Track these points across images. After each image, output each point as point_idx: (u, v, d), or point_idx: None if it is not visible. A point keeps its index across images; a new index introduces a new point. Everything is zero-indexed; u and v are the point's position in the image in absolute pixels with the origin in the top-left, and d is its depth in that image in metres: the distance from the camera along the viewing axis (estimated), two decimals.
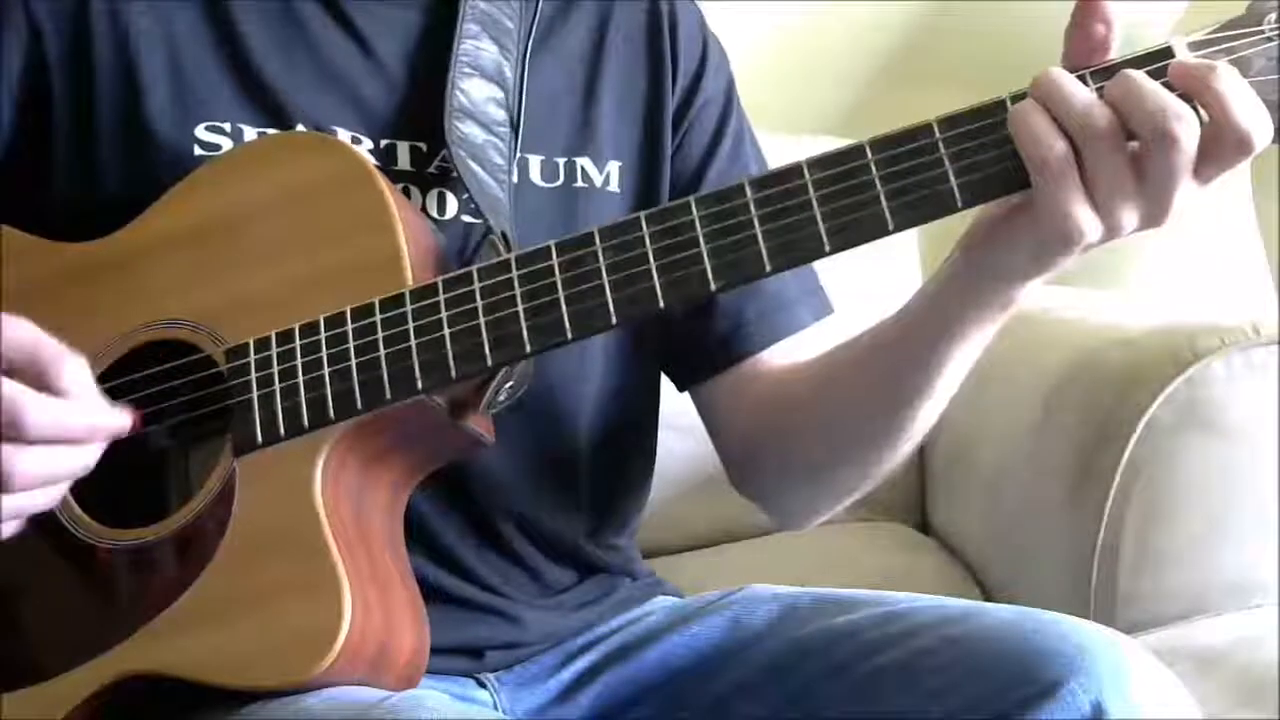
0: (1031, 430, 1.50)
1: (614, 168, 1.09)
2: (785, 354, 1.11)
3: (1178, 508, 1.36)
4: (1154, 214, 0.81)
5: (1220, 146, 0.78)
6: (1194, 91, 0.78)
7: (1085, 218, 0.80)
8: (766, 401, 1.09)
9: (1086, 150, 0.79)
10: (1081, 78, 0.80)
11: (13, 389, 0.80)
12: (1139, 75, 0.78)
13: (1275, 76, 0.78)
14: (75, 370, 0.83)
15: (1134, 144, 0.79)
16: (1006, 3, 1.81)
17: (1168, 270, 1.98)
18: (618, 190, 1.09)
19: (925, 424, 0.99)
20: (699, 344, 1.11)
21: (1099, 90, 0.79)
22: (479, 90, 1.03)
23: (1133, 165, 0.79)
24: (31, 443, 0.81)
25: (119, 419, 0.85)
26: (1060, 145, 0.79)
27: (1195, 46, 0.80)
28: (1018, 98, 0.81)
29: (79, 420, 0.83)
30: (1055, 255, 0.83)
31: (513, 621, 1.05)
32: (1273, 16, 0.78)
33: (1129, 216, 0.80)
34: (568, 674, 1.06)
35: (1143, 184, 0.79)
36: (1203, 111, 0.78)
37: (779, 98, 1.83)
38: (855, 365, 1.03)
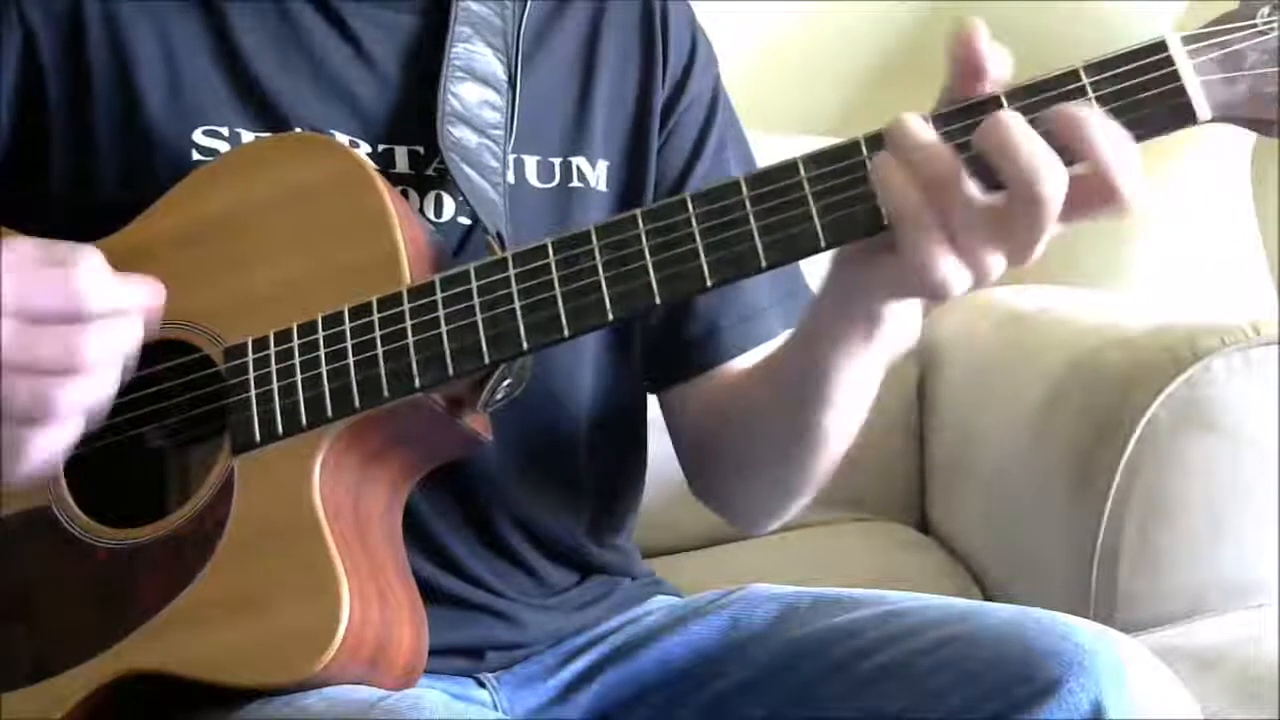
0: (1031, 430, 1.50)
1: (603, 167, 1.09)
2: (749, 359, 1.11)
3: (1178, 508, 1.36)
4: (1018, 258, 0.80)
5: (1091, 200, 0.78)
6: (1071, 142, 0.77)
7: (947, 264, 0.80)
8: (708, 406, 1.10)
9: (933, 197, 0.79)
10: (946, 117, 0.80)
11: (58, 271, 0.79)
12: (1013, 124, 0.77)
13: (1273, 69, 0.79)
14: (92, 265, 0.81)
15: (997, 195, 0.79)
16: (1007, 3, 1.81)
17: (1168, 270, 1.98)
18: (605, 189, 1.09)
19: (842, 429, 0.99)
20: (672, 348, 1.11)
21: (966, 129, 0.79)
22: (472, 94, 1.04)
23: (990, 210, 0.79)
24: (92, 321, 0.79)
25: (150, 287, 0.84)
26: (913, 193, 0.79)
27: (1189, 41, 0.80)
28: (872, 139, 0.82)
29: (127, 287, 0.82)
30: (917, 297, 0.85)
31: (511, 622, 1.05)
32: (1265, 10, 0.79)
33: (993, 261, 0.80)
34: (567, 673, 1.06)
35: (1006, 231, 0.79)
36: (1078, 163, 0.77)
37: (777, 98, 1.83)
38: (763, 371, 1.05)
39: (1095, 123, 0.77)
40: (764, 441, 1.04)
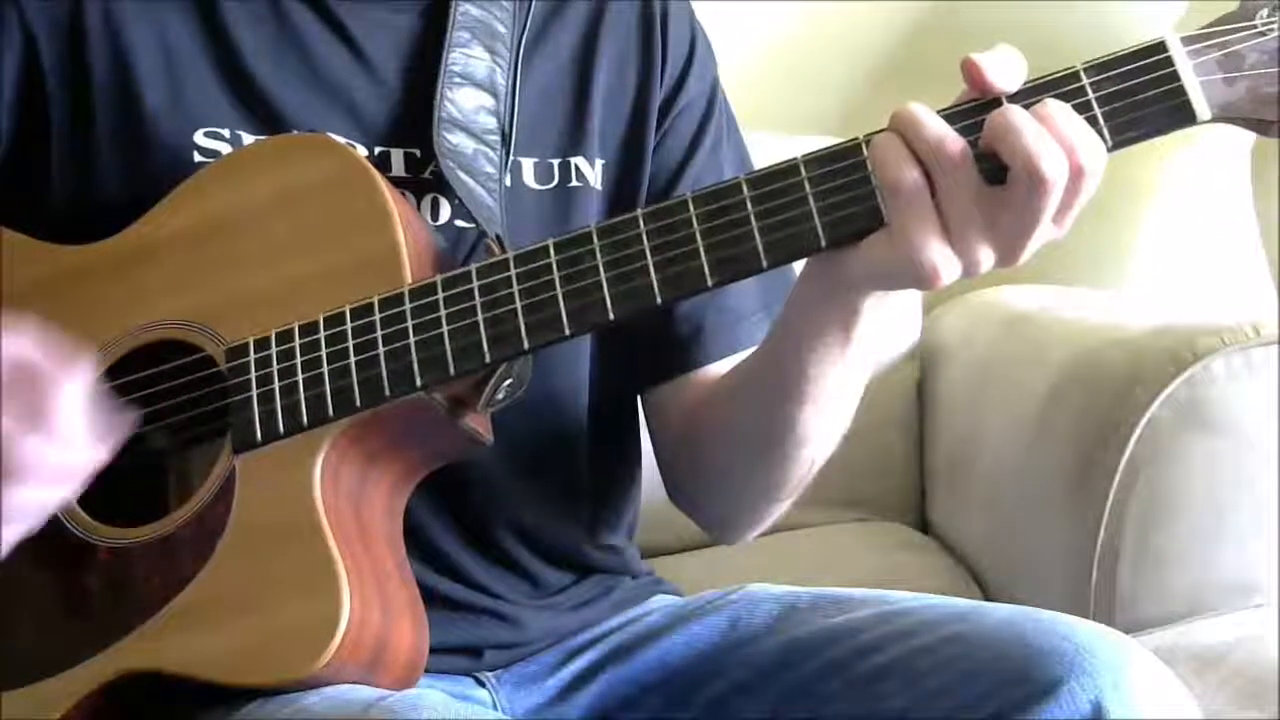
0: (1031, 430, 1.50)
1: (600, 165, 1.09)
2: (733, 363, 1.10)
3: (1178, 508, 1.36)
4: (1008, 253, 0.81)
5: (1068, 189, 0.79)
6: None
7: (937, 251, 0.80)
8: (690, 407, 1.10)
9: (939, 179, 0.80)
10: (949, 116, 0.81)
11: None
12: (1020, 112, 0.79)
13: (1272, 70, 0.79)
14: (70, 400, 0.81)
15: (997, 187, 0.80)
16: (1006, 3, 1.81)
17: (1168, 270, 1.98)
18: (600, 188, 1.09)
19: (821, 431, 0.99)
20: (656, 348, 1.11)
21: (968, 128, 0.80)
22: (469, 100, 1.04)
23: (987, 198, 0.80)
24: (15, 479, 0.80)
25: (99, 454, 0.84)
26: (913, 172, 0.80)
27: (1188, 41, 0.80)
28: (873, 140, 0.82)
29: (62, 462, 0.82)
30: (904, 287, 0.85)
31: (510, 622, 1.05)
32: (1265, 12, 0.79)
33: (984, 252, 0.81)
34: (567, 673, 1.06)
35: (1000, 222, 0.80)
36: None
37: (778, 98, 1.83)
38: (743, 369, 1.05)
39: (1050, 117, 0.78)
40: (742, 441, 1.03)
